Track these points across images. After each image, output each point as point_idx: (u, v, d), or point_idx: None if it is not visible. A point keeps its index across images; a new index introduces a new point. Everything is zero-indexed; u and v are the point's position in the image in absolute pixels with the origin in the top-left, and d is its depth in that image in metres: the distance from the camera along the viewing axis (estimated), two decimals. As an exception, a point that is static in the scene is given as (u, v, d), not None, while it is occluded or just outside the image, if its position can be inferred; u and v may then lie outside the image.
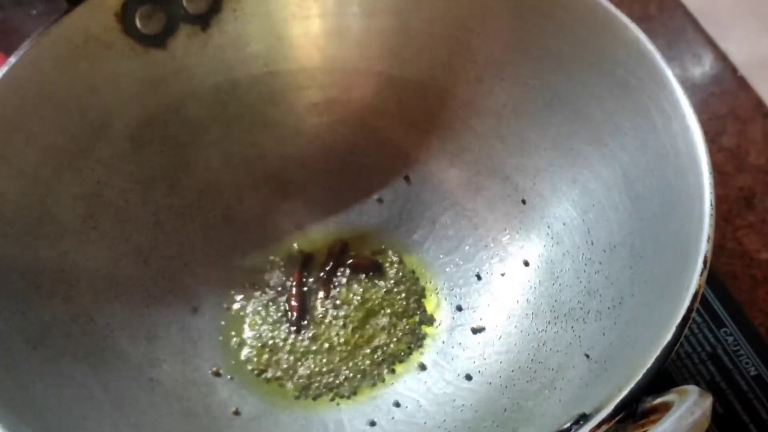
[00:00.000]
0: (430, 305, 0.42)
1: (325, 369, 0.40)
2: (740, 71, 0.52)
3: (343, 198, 0.45)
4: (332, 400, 0.39)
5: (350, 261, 0.43)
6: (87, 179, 0.39)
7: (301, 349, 0.41)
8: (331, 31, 0.42)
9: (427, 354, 0.40)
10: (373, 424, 0.38)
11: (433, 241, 0.43)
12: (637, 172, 0.34)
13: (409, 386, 0.39)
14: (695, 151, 0.31)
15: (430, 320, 0.41)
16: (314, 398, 0.39)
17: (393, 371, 0.40)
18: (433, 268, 0.43)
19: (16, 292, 0.35)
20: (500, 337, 0.39)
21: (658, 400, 0.26)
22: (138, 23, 0.38)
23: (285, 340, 0.41)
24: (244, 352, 0.41)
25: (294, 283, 0.43)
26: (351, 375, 0.40)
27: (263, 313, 0.42)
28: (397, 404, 0.39)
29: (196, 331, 0.41)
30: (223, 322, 0.42)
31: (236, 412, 0.38)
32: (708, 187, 0.29)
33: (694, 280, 0.27)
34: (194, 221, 0.43)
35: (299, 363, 0.40)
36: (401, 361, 0.40)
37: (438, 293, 0.42)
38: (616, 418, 0.26)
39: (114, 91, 0.39)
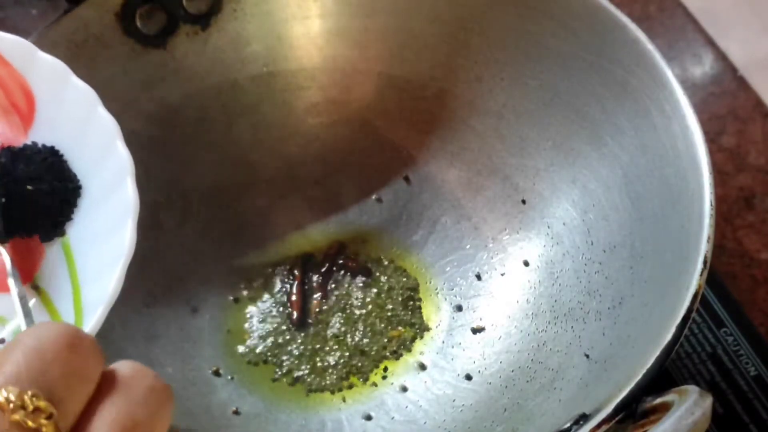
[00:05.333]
0: (429, 305, 0.42)
1: (324, 369, 0.40)
2: (740, 71, 0.52)
3: (343, 198, 0.45)
4: (332, 399, 0.39)
5: (341, 262, 0.43)
6: (87, 179, 0.39)
7: (301, 349, 0.41)
8: (331, 31, 0.42)
9: (427, 354, 0.40)
10: (370, 418, 0.38)
11: (433, 241, 0.43)
12: (637, 172, 0.34)
13: (409, 386, 0.39)
14: (695, 152, 0.31)
15: (428, 320, 0.41)
16: (314, 397, 0.39)
17: (392, 371, 0.40)
18: (433, 268, 0.43)
19: (16, 292, 0.35)
20: (500, 337, 0.39)
21: (658, 400, 0.26)
22: (138, 23, 0.38)
23: (285, 339, 0.41)
24: (244, 352, 0.41)
25: (294, 283, 0.43)
26: (350, 375, 0.40)
27: (263, 312, 0.42)
28: (396, 404, 0.39)
29: (196, 331, 0.41)
30: (223, 322, 0.42)
31: (236, 412, 0.38)
32: (708, 187, 0.29)
33: (694, 280, 0.27)
34: (194, 221, 0.43)
35: (299, 362, 0.40)
36: (400, 361, 0.40)
37: (438, 293, 0.42)
38: (616, 418, 0.26)
39: (114, 91, 0.39)
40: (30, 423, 0.17)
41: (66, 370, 0.18)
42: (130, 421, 0.18)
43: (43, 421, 0.17)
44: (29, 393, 0.17)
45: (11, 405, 0.17)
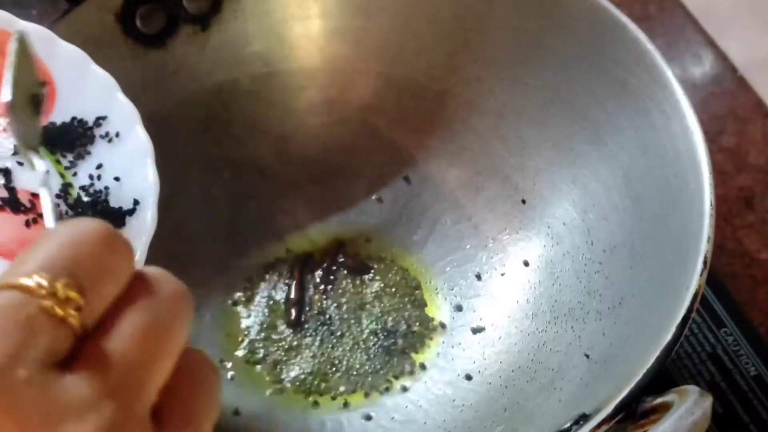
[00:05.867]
0: (429, 305, 0.42)
1: (324, 369, 0.40)
2: (740, 71, 0.52)
3: (343, 198, 0.45)
4: (332, 399, 0.39)
5: (341, 261, 0.43)
6: (87, 179, 0.39)
7: (301, 349, 0.41)
8: (331, 31, 0.42)
9: (427, 354, 0.40)
10: (370, 418, 0.38)
11: (433, 241, 0.43)
12: (637, 172, 0.34)
13: (409, 386, 0.39)
14: (695, 152, 0.31)
15: (429, 320, 0.41)
16: (313, 398, 0.39)
17: (392, 371, 0.40)
18: (433, 268, 0.43)
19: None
20: (500, 337, 0.39)
21: (658, 400, 0.26)
22: (138, 23, 0.38)
23: (284, 339, 0.41)
24: (244, 352, 0.41)
25: (293, 283, 0.43)
26: (350, 374, 0.40)
27: (263, 312, 0.42)
28: (396, 404, 0.39)
29: (196, 331, 0.41)
30: (222, 322, 0.42)
31: (236, 412, 0.38)
32: (708, 187, 0.29)
33: (694, 280, 0.27)
34: (194, 221, 0.43)
35: (299, 362, 0.40)
36: (400, 361, 0.40)
37: (438, 293, 0.42)
38: (616, 418, 0.26)
39: (114, 91, 0.39)
40: (59, 311, 0.16)
41: (99, 265, 0.18)
42: (154, 324, 0.18)
43: (71, 312, 0.17)
44: (62, 281, 0.17)
45: (43, 291, 0.16)
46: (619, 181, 0.35)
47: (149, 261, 0.41)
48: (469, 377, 0.38)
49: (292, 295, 0.42)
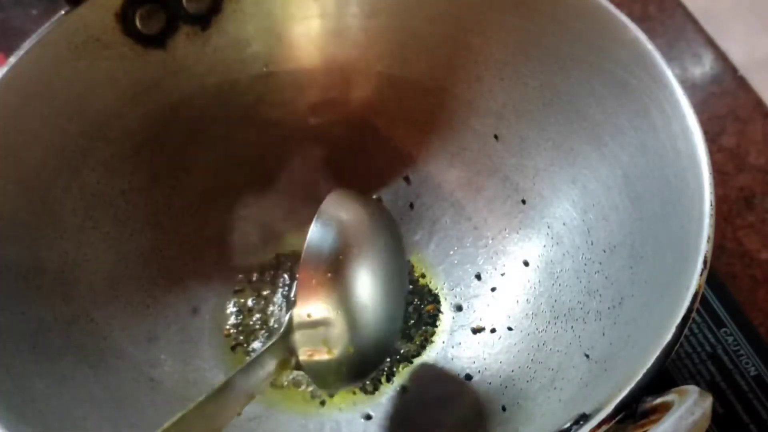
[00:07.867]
0: (429, 305, 0.42)
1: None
2: (740, 71, 0.52)
3: (343, 198, 0.45)
4: (332, 399, 0.39)
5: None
6: (87, 179, 0.39)
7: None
8: (331, 31, 0.42)
9: (427, 354, 0.40)
10: (369, 417, 0.38)
11: (433, 241, 0.43)
12: (637, 172, 0.34)
13: (409, 386, 0.39)
14: (695, 152, 0.31)
15: (428, 320, 0.41)
16: (313, 398, 0.39)
17: (392, 371, 0.40)
18: (433, 268, 0.43)
19: (16, 292, 0.35)
20: (500, 337, 0.39)
21: (658, 400, 0.26)
22: (138, 23, 0.38)
23: (285, 340, 0.41)
24: (244, 352, 0.41)
25: (294, 283, 0.43)
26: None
27: (263, 312, 0.42)
28: (396, 404, 0.39)
29: (196, 331, 0.41)
30: (223, 322, 0.42)
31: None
32: (708, 187, 0.29)
33: (694, 280, 0.27)
34: (194, 221, 0.43)
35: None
36: (400, 362, 0.40)
37: (438, 293, 0.42)
38: (616, 418, 0.26)
39: (114, 91, 0.39)
40: None
41: None
42: None
43: None
44: None
45: None
46: (619, 181, 0.35)
47: (153, 266, 0.41)
48: (469, 377, 0.38)
49: (293, 295, 0.42)
